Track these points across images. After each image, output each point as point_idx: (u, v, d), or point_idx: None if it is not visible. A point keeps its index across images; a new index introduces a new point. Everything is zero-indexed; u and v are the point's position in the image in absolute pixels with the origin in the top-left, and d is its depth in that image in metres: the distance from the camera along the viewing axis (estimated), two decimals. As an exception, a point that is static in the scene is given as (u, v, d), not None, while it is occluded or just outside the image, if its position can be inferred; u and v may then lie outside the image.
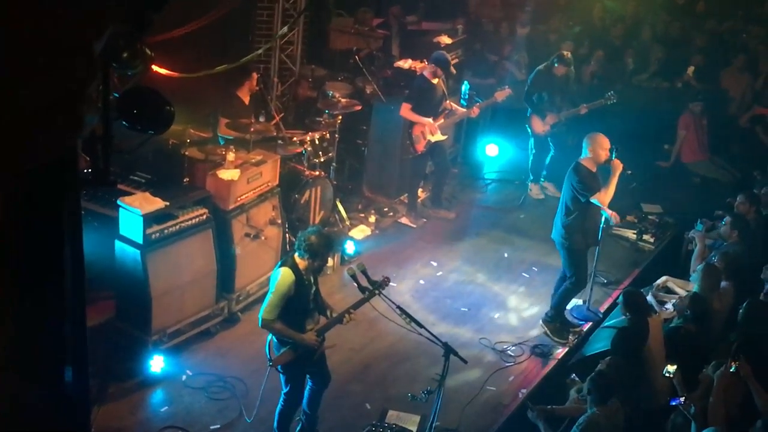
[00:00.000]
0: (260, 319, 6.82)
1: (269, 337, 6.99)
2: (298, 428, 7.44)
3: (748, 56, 14.56)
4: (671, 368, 7.28)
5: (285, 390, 7.14)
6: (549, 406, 7.51)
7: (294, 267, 6.83)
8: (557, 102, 12.16)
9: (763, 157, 11.67)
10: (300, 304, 6.90)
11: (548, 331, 9.42)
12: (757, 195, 10.24)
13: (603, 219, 9.17)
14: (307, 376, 7.23)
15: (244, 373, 8.19)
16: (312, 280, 7.02)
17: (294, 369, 7.03)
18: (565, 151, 11.99)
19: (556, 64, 11.94)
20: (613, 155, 8.90)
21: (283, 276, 6.78)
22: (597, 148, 8.86)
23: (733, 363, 6.81)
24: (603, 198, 8.78)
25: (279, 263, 7.02)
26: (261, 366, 7.37)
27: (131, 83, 4.41)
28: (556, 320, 9.45)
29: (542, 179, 12.71)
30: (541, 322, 9.54)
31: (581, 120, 11.86)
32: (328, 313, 7.15)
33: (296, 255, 6.88)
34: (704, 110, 13.38)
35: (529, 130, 12.32)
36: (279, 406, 7.22)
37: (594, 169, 8.90)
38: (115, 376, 7.92)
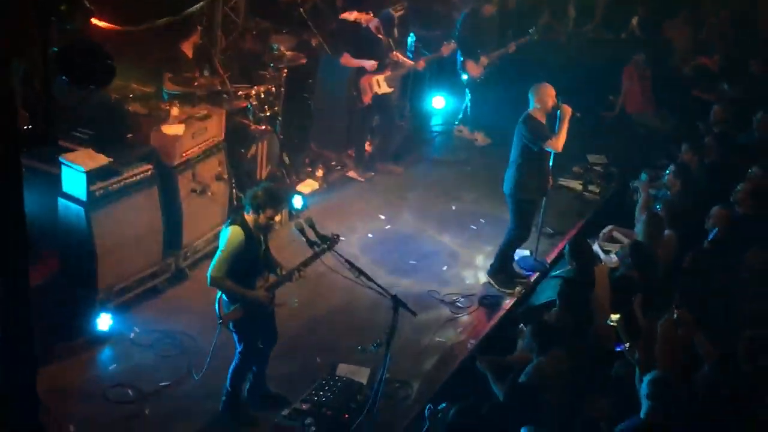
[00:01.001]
0: (209, 277, 6.78)
1: (218, 294, 6.96)
2: (247, 387, 7.45)
3: (692, 7, 14.67)
4: (614, 317, 7.40)
5: (239, 348, 7.13)
6: (496, 357, 7.60)
7: (243, 224, 6.79)
8: (487, 43, 12.25)
9: (706, 107, 11.80)
10: (250, 262, 6.87)
11: (494, 283, 9.51)
12: (701, 145, 10.36)
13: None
14: None
15: (193, 330, 8.15)
16: (261, 238, 6.99)
17: (245, 326, 7.02)
18: (496, 99, 12.16)
19: (484, 4, 12.07)
20: (560, 102, 9.00)
21: (233, 233, 6.74)
22: (543, 97, 8.93)
23: (676, 311, 6.94)
24: (556, 144, 8.87)
25: (228, 221, 6.98)
26: (210, 322, 7.34)
27: (71, 37, 4.32)
28: (501, 271, 9.54)
29: (456, 122, 12.89)
30: (486, 274, 9.63)
31: (526, 71, 11.90)
32: (278, 270, 7.13)
33: (245, 212, 6.84)
34: (648, 61, 13.49)
35: (465, 76, 12.40)
36: (234, 364, 7.19)
37: (543, 120, 8.96)
38: (62, 336, 7.83)
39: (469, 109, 12.81)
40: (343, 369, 7.96)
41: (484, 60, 12.19)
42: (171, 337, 8.10)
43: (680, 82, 13.91)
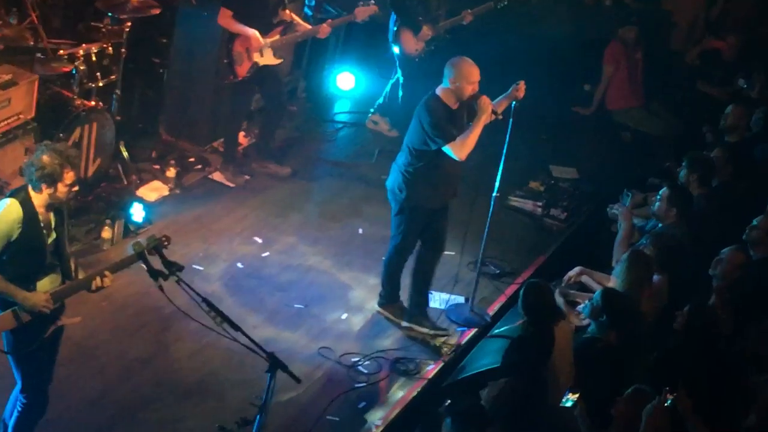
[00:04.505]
0: None
1: None
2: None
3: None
4: (573, 397, 7.46)
5: (20, 384, 7.08)
6: None
7: (25, 201, 6.67)
8: (434, 9, 12.31)
9: (716, 107, 12.05)
10: (30, 252, 6.76)
11: (389, 316, 9.77)
12: (706, 159, 10.50)
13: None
14: None
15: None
16: (54, 223, 6.90)
17: (20, 343, 6.88)
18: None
19: None
20: (518, 98, 9.11)
21: (7, 210, 6.61)
22: (461, 80, 8.86)
23: (669, 395, 7.00)
24: (459, 149, 8.80)
25: (8, 194, 6.84)
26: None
27: None
28: (394, 299, 9.79)
29: (372, 110, 13.00)
30: (377, 307, 9.84)
31: (479, 51, 12.02)
32: (75, 274, 7.05)
33: (30, 188, 6.73)
34: (639, 38, 13.74)
35: (397, 50, 12.36)
36: (15, 410, 7.18)
37: (455, 106, 8.96)
38: None
39: (387, 91, 12.79)
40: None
41: (426, 31, 12.17)
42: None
43: (682, 70, 14.22)
